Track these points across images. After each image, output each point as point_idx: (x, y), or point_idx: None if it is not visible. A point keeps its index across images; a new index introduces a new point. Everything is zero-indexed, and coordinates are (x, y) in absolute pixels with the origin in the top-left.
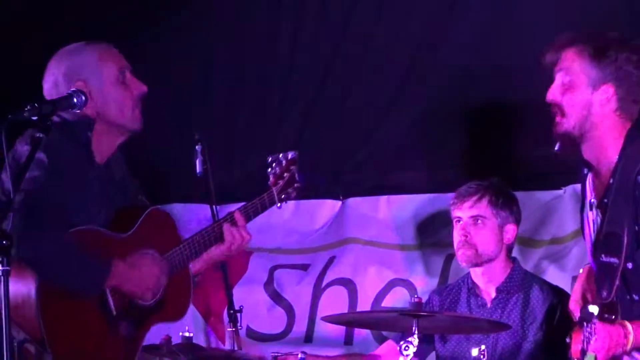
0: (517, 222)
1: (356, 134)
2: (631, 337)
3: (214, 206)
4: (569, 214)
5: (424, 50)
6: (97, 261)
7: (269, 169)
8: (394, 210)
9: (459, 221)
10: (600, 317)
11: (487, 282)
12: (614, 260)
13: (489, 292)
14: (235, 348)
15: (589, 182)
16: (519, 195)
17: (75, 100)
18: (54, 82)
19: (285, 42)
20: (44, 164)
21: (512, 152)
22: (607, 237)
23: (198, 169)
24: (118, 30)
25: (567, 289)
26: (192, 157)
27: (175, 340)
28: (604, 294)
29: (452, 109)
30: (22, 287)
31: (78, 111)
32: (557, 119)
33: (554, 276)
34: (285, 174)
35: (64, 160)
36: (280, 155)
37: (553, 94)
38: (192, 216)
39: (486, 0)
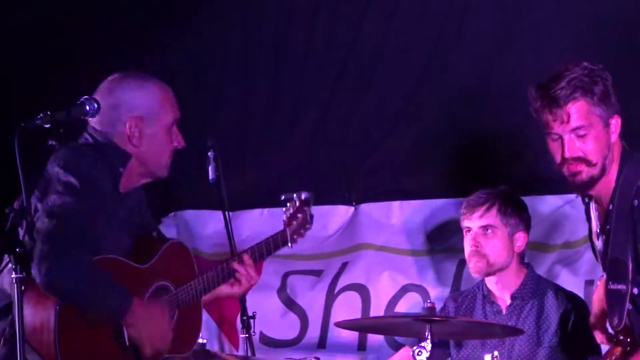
0: (527, 229)
1: (368, 140)
2: None
3: (226, 212)
4: (581, 218)
5: (438, 55)
6: (121, 293)
7: (284, 209)
8: (407, 216)
9: (469, 231)
10: (616, 341)
11: (502, 289)
12: (621, 287)
13: (504, 299)
14: (249, 354)
15: (593, 210)
16: (531, 199)
17: (87, 107)
18: (114, 104)
19: (297, 47)
20: (74, 189)
21: (524, 156)
22: (613, 263)
23: (210, 175)
24: (129, 37)
25: (579, 293)
26: (204, 164)
27: None
28: (615, 321)
29: (464, 114)
30: (42, 311)
31: (116, 142)
32: (580, 168)
33: (567, 280)
34: (298, 215)
35: (95, 186)
36: (294, 195)
37: (575, 151)
38: (205, 223)
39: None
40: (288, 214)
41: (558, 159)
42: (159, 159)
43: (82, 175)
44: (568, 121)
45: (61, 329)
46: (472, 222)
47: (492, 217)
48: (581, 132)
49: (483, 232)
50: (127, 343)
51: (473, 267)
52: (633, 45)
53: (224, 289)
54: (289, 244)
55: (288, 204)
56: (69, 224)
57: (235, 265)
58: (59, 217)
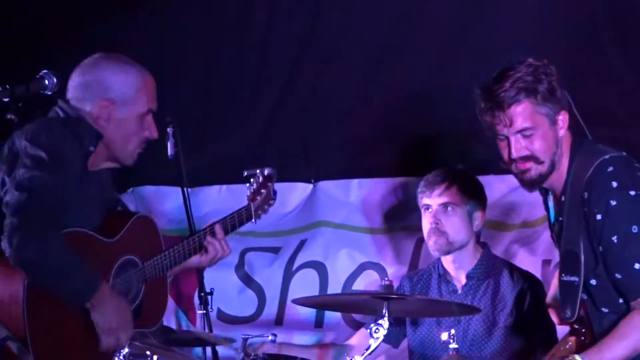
0: (484, 209)
1: (328, 118)
2: None
3: (185, 189)
4: (540, 198)
5: (397, 37)
6: (90, 275)
7: (247, 184)
8: (365, 194)
9: (427, 209)
10: (571, 330)
11: (458, 268)
12: (574, 278)
13: (460, 279)
14: (206, 331)
15: (550, 200)
16: (490, 178)
17: (46, 82)
18: (87, 82)
19: (258, 26)
20: (43, 163)
21: (483, 136)
22: (565, 255)
23: (169, 151)
24: (90, 14)
25: (537, 272)
26: (163, 140)
27: None
28: (568, 313)
29: (424, 94)
30: (10, 284)
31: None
32: (529, 166)
33: (524, 260)
34: (262, 190)
35: (63, 161)
36: (257, 171)
37: (522, 150)
38: (163, 199)
39: None
40: (252, 190)
41: (506, 158)
42: (124, 146)
43: (50, 149)
44: (512, 124)
45: (30, 303)
46: (432, 200)
47: (453, 195)
48: (527, 133)
49: (443, 209)
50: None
51: (433, 244)
52: (591, 37)
53: (193, 261)
54: (253, 220)
55: (251, 180)
56: (38, 198)
57: (209, 238)
58: (28, 190)
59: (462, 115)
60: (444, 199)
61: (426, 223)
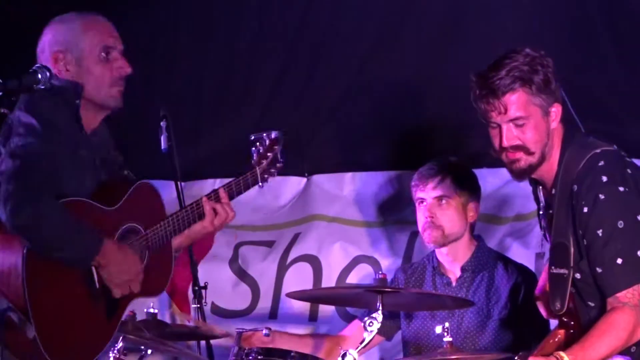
0: (479, 199)
1: (321, 111)
2: None
3: (179, 183)
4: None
5: (388, 29)
6: (91, 235)
7: (252, 148)
8: (359, 187)
9: (422, 202)
10: (560, 323)
11: (452, 261)
12: (563, 271)
13: (454, 271)
14: (200, 324)
15: (540, 193)
16: (483, 172)
17: (39, 76)
18: (42, 46)
19: (251, 19)
20: (36, 130)
21: (477, 129)
22: (555, 248)
23: (163, 145)
24: (83, 6)
25: (530, 265)
26: (157, 134)
27: (140, 316)
28: (557, 306)
29: (418, 87)
30: (9, 255)
31: (66, 77)
32: (519, 156)
33: (518, 253)
34: (268, 154)
35: (56, 127)
36: (264, 134)
37: (513, 140)
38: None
39: None
40: (257, 153)
41: (497, 146)
42: (98, 89)
43: (42, 116)
44: (506, 112)
45: (29, 272)
46: (426, 193)
47: (447, 187)
48: (519, 122)
49: (437, 202)
50: (97, 286)
51: (428, 237)
52: (584, 31)
53: (197, 227)
54: (260, 183)
55: (257, 144)
56: (32, 165)
57: (212, 203)
58: (22, 157)
59: (455, 108)
60: (438, 192)
61: (421, 216)
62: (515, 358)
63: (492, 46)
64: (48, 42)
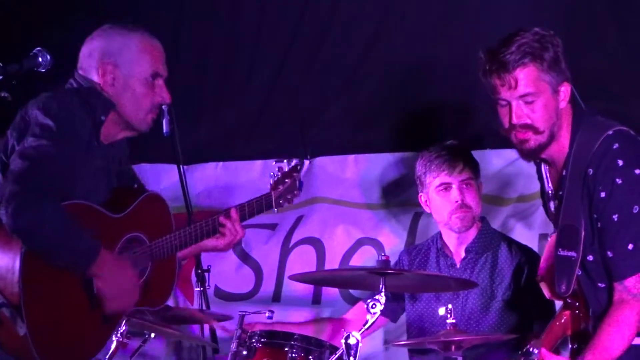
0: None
1: (324, 94)
2: None
3: (180, 166)
4: (536, 172)
5: (392, 11)
6: (88, 244)
7: (271, 174)
8: (362, 170)
9: (448, 187)
10: (565, 304)
11: (458, 242)
12: (571, 254)
13: (459, 252)
14: (204, 308)
15: (545, 171)
16: (485, 153)
17: (40, 59)
18: (90, 50)
19: (254, 0)
20: (51, 132)
21: (479, 110)
22: (564, 230)
23: (165, 128)
24: None
25: (533, 246)
26: (158, 117)
27: None
28: (563, 288)
29: (418, 70)
30: (8, 251)
31: (99, 87)
32: (528, 136)
33: (521, 234)
34: (286, 180)
35: (73, 131)
36: (285, 161)
37: (523, 118)
38: (159, 176)
39: None
40: (275, 179)
41: (506, 124)
42: (136, 111)
43: (60, 119)
44: (516, 87)
45: (26, 272)
46: (454, 178)
47: (470, 170)
48: (529, 99)
49: (465, 186)
50: (95, 291)
51: (460, 221)
52: (585, 11)
53: (209, 243)
54: (275, 209)
55: (277, 170)
56: (41, 168)
57: (222, 219)
58: (32, 159)
59: (458, 90)
60: (464, 176)
61: (448, 202)
62: (531, 349)
63: (495, 27)
64: (99, 50)
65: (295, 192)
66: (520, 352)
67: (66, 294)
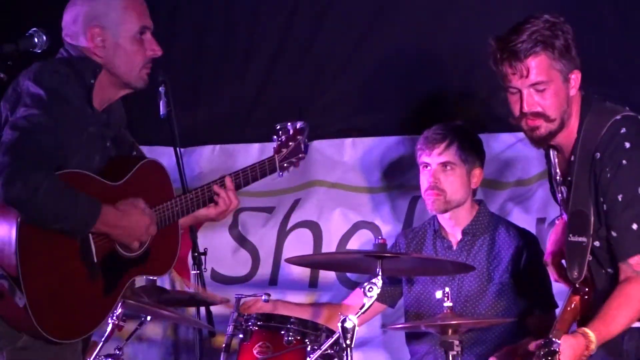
0: (483, 165)
1: (322, 76)
2: (593, 346)
3: (178, 149)
4: (533, 156)
5: None
6: (88, 203)
7: (275, 137)
8: (360, 153)
9: (426, 167)
10: (574, 289)
11: (454, 225)
12: (582, 239)
13: (455, 235)
14: (200, 290)
15: (553, 157)
16: (484, 137)
17: (36, 40)
18: (74, 17)
19: None
20: (42, 102)
21: (477, 94)
22: (574, 215)
23: (161, 110)
24: None
25: (531, 230)
26: (155, 99)
27: (139, 282)
28: (575, 274)
29: (418, 52)
30: (3, 222)
31: (84, 52)
32: (539, 123)
33: (519, 218)
34: (290, 143)
35: (65, 100)
36: (289, 124)
37: (534, 105)
38: (155, 159)
39: None
40: (278, 142)
41: (517, 112)
42: (130, 70)
43: (51, 88)
44: (527, 75)
45: (23, 243)
46: (431, 159)
47: (452, 154)
48: (540, 87)
49: (442, 168)
50: (95, 260)
51: (431, 203)
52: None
53: (202, 212)
54: (279, 172)
55: (280, 132)
56: (31, 137)
57: (216, 188)
58: (22, 129)
59: (456, 74)
60: (443, 158)
61: (424, 181)
62: (553, 339)
63: (495, 12)
64: (84, 15)
65: (300, 155)
66: (543, 342)
67: (63, 262)
